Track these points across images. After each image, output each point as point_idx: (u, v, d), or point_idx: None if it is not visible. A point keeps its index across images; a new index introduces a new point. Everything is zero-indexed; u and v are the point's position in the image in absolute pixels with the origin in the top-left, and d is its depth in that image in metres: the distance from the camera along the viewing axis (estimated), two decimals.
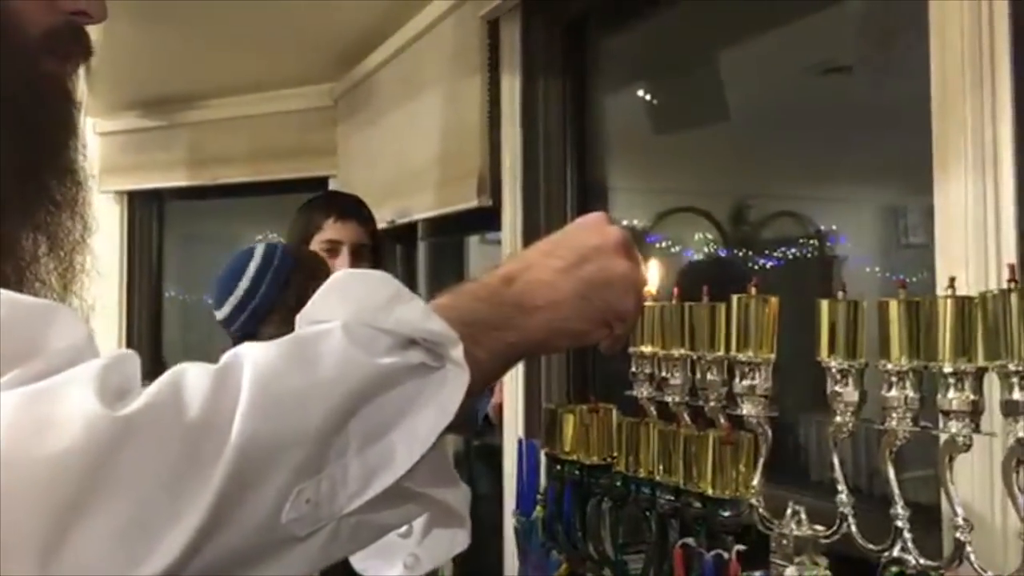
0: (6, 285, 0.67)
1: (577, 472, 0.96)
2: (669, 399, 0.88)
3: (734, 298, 0.75)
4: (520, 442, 1.44)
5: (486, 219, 2.09)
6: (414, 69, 2.26)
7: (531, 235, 1.88)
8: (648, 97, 2.02)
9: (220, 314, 1.64)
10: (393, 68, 2.41)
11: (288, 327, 0.56)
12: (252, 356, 0.50)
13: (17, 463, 0.42)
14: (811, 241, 1.67)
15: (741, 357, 0.74)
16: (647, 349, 0.86)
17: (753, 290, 0.75)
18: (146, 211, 3.44)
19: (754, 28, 1.68)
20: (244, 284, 1.61)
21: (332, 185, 2.86)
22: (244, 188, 3.12)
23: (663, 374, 0.88)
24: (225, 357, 0.51)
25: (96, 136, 3.18)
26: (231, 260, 1.69)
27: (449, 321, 0.55)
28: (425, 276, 2.66)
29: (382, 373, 0.52)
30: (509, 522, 1.39)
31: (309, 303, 0.57)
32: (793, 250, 1.71)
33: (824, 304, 0.71)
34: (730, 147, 1.82)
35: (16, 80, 0.65)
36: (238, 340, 1.59)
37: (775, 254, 1.73)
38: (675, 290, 0.83)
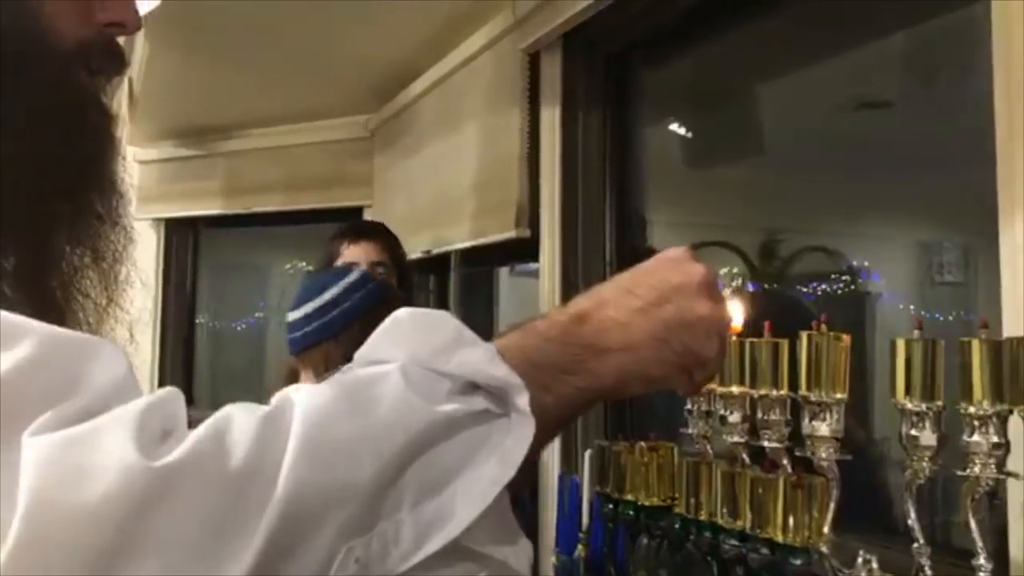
0: (52, 300, 0.66)
1: (631, 512, 0.92)
2: (727, 437, 0.85)
3: (803, 335, 0.73)
4: (561, 479, 1.41)
5: (519, 251, 2.08)
6: (453, 101, 2.27)
7: (568, 266, 1.87)
8: (686, 130, 2.02)
9: (293, 315, 1.63)
10: (431, 100, 2.42)
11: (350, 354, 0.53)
12: (303, 399, 0.47)
13: (49, 513, 0.40)
14: (843, 277, 1.64)
15: (812, 397, 0.71)
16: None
17: (823, 327, 0.72)
18: (182, 239, 3.47)
19: (794, 62, 1.67)
20: (331, 293, 1.60)
21: (367, 215, 2.87)
22: (279, 217, 3.14)
23: (721, 411, 0.85)
24: (275, 399, 0.48)
25: (135, 164, 3.23)
26: (326, 273, 1.73)
27: (515, 362, 0.51)
28: (456, 306, 2.66)
29: (442, 421, 0.49)
30: (548, 560, 1.36)
31: (367, 342, 0.54)
32: (824, 286, 1.68)
33: (900, 343, 0.68)
34: (766, 181, 1.81)
35: (52, 93, 0.65)
36: (297, 349, 1.59)
37: (806, 290, 1.70)
38: (767, 325, 0.80)
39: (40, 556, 0.39)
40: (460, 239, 2.22)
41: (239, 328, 3.70)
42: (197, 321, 3.59)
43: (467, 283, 2.69)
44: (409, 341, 0.53)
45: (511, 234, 1.95)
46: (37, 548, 0.40)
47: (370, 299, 1.61)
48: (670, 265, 0.61)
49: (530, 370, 0.52)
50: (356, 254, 1.95)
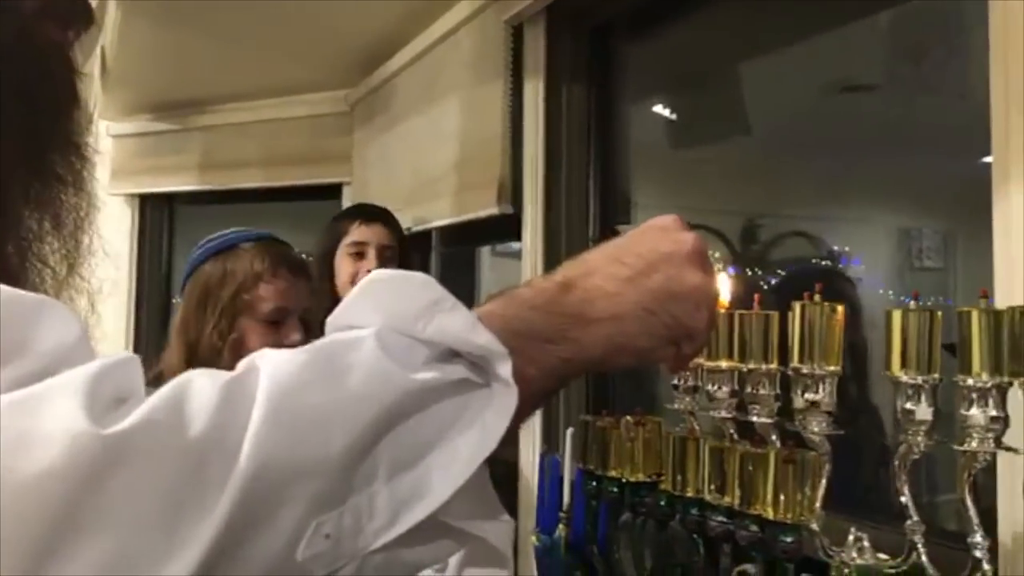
0: (7, 266, 0.62)
1: (615, 489, 0.90)
2: (714, 413, 0.82)
3: (796, 306, 0.70)
4: (542, 457, 1.39)
5: (501, 229, 2.05)
6: (434, 74, 2.22)
7: (552, 243, 1.84)
8: (670, 109, 1.99)
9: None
10: (412, 74, 2.37)
11: None
12: (270, 366, 0.44)
13: None
14: (824, 262, 1.63)
15: (804, 370, 0.69)
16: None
17: (817, 297, 0.70)
18: (157, 215, 3.41)
19: (781, 41, 1.65)
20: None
21: (346, 192, 2.82)
22: (256, 194, 3.08)
23: (709, 386, 0.82)
24: (240, 365, 0.45)
25: (109, 138, 3.15)
26: None
27: (497, 332, 0.48)
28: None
29: (418, 389, 0.46)
30: (528, 540, 1.33)
31: (340, 305, 0.51)
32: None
33: (896, 314, 0.66)
34: (750, 163, 1.79)
35: (14, 47, 0.61)
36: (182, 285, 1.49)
37: (782, 272, 1.69)
38: (756, 297, 0.77)
39: None
40: (441, 216, 2.18)
41: None
42: (173, 300, 3.53)
43: (448, 263, 2.65)
44: (385, 305, 0.49)
45: (493, 211, 1.91)
46: None
47: (247, 235, 1.53)
48: (659, 233, 0.58)
49: (512, 339, 0.49)
50: (367, 235, 1.95)
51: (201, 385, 0.42)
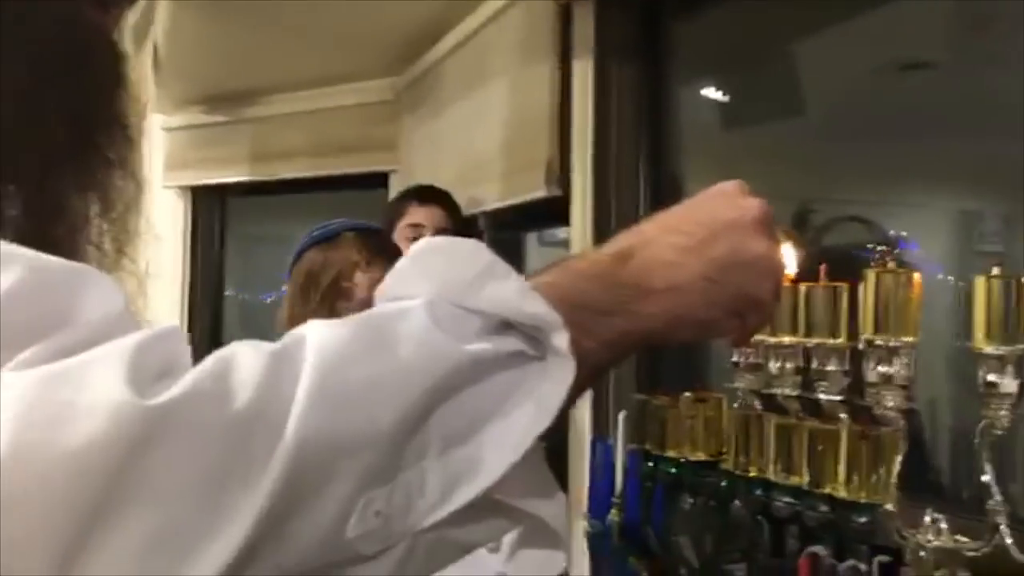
0: (58, 251, 0.62)
1: (673, 470, 0.87)
2: (778, 390, 0.79)
3: (869, 273, 0.66)
4: (593, 442, 1.36)
5: (549, 215, 2.03)
6: (481, 58, 2.21)
7: (601, 226, 1.81)
8: (722, 89, 1.94)
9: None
10: (458, 59, 2.36)
11: None
12: (316, 337, 0.42)
13: (29, 458, 0.35)
14: (880, 247, 1.57)
15: (878, 341, 0.65)
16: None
17: (891, 264, 0.66)
18: (209, 207, 3.46)
19: (835, 18, 1.60)
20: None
21: (393, 179, 2.83)
22: (305, 184, 3.11)
23: (772, 363, 0.79)
24: (286, 337, 0.43)
25: (162, 132, 3.21)
26: None
27: (552, 302, 0.46)
28: None
29: (470, 361, 0.44)
30: (578, 527, 1.31)
31: (389, 275, 0.49)
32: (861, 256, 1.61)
33: (980, 282, 0.62)
34: (803, 145, 1.74)
35: (58, 30, 0.60)
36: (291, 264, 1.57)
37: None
38: (822, 268, 0.74)
39: (21, 507, 0.35)
40: (490, 200, 2.17)
41: (268, 301, 3.69)
42: (225, 293, 3.58)
43: (495, 250, 2.63)
44: (436, 273, 0.48)
45: (542, 192, 1.89)
46: (19, 496, 0.35)
47: (349, 224, 1.62)
48: (722, 200, 0.55)
49: (568, 310, 0.47)
50: (424, 216, 1.96)
51: (246, 356, 0.41)
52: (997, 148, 1.34)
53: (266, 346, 0.43)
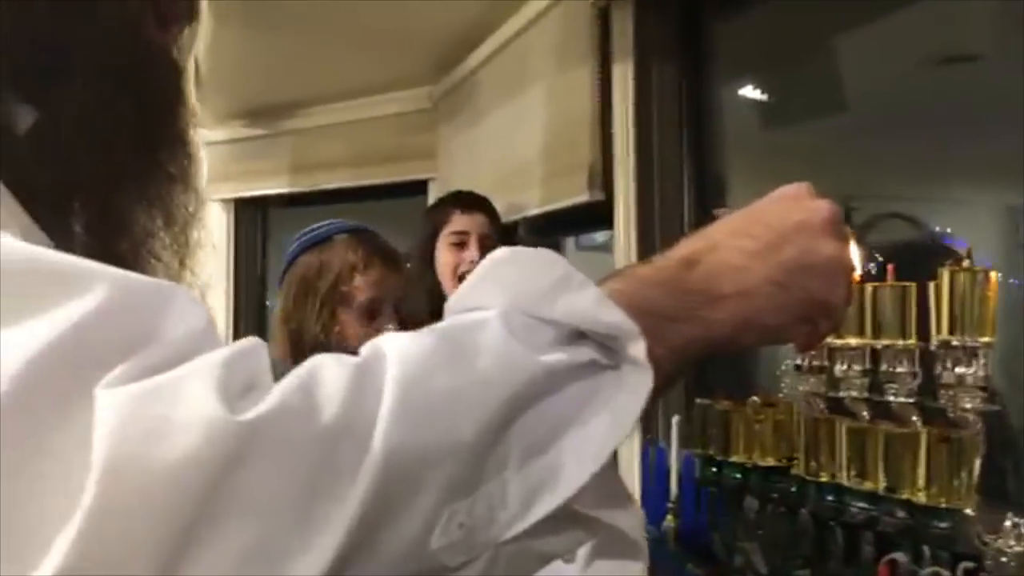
0: (123, 264, 0.63)
1: (738, 475, 0.85)
2: (845, 393, 0.77)
3: (943, 272, 0.65)
4: (646, 446, 1.35)
5: (588, 219, 2.02)
6: (518, 64, 2.21)
7: (645, 229, 1.80)
8: (763, 88, 1.92)
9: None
10: (495, 65, 2.36)
11: None
12: (397, 349, 0.42)
13: (127, 472, 0.36)
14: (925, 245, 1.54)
15: (954, 342, 0.63)
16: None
17: (967, 262, 0.64)
18: (251, 219, 3.51)
19: (876, 13, 1.57)
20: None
21: (432, 188, 2.84)
22: (345, 194, 3.13)
23: (838, 366, 0.77)
24: (365, 349, 0.44)
25: (203, 146, 3.26)
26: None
27: (626, 311, 0.45)
28: None
29: (547, 372, 0.44)
30: None
31: (463, 285, 0.49)
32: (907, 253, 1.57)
33: None
34: (847, 141, 1.71)
35: (121, 49, 0.61)
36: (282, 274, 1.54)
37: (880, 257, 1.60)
38: (889, 268, 0.72)
39: (120, 520, 0.35)
40: (531, 206, 2.16)
41: None
42: (267, 303, 3.63)
43: None
44: (510, 284, 0.47)
45: (584, 197, 1.88)
46: (116, 511, 0.35)
47: (341, 227, 1.57)
48: (789, 202, 0.54)
49: (638, 317, 0.46)
50: (467, 224, 1.95)
51: (330, 370, 0.41)
52: None
53: (347, 360, 0.43)
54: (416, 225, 2.10)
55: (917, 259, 1.50)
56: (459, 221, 1.94)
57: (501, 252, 0.49)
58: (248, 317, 3.49)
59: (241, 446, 0.37)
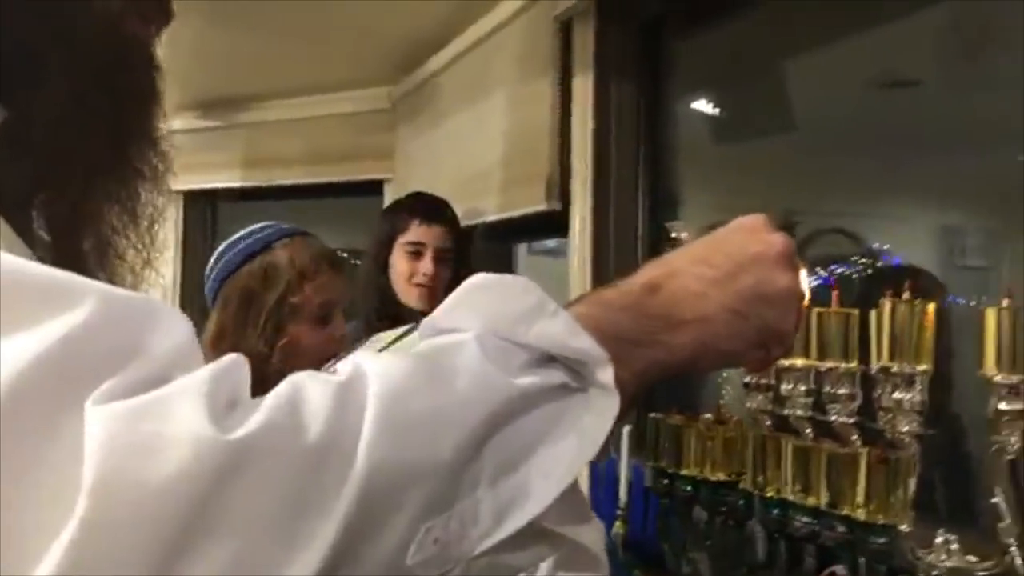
0: (85, 262, 0.63)
1: (688, 488, 0.89)
2: (789, 411, 0.81)
3: (885, 303, 0.69)
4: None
5: (542, 226, 2.05)
6: (480, 70, 2.22)
7: (600, 240, 1.84)
8: (717, 105, 1.97)
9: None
10: (457, 70, 2.37)
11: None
12: (377, 369, 0.44)
13: (118, 487, 0.37)
14: (863, 260, 1.61)
15: (894, 368, 0.68)
16: None
17: (907, 295, 0.69)
18: (200, 212, 3.45)
19: (828, 37, 1.63)
20: (212, 257, 1.45)
21: (387, 188, 2.83)
22: (298, 191, 3.10)
23: (784, 385, 0.81)
24: (345, 368, 0.45)
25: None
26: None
27: (594, 336, 0.48)
28: None
29: (520, 395, 0.46)
30: None
31: (440, 307, 0.51)
32: (843, 268, 1.64)
33: (990, 313, 0.65)
34: (794, 159, 1.77)
35: (100, 45, 0.61)
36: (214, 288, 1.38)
37: (823, 272, 1.66)
38: (834, 294, 0.77)
39: (110, 534, 0.36)
40: (488, 212, 2.18)
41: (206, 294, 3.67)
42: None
43: (485, 260, 2.65)
44: (486, 309, 0.49)
45: (542, 207, 1.91)
46: (106, 525, 0.36)
47: (277, 233, 1.42)
48: (747, 234, 0.57)
49: (604, 342, 0.48)
50: (425, 235, 1.93)
51: (313, 390, 0.42)
52: (980, 165, 1.37)
53: (329, 378, 0.44)
54: (373, 225, 2.09)
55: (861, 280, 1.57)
56: (417, 231, 1.93)
57: (478, 278, 0.51)
58: (194, 310, 3.43)
59: (229, 463, 0.38)
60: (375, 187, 2.88)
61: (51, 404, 0.38)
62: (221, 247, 1.45)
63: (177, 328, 0.44)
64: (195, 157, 3.22)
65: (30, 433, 0.38)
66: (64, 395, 0.39)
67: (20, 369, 0.38)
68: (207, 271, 1.46)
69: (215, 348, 1.33)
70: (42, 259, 0.56)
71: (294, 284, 1.35)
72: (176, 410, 0.39)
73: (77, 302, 0.41)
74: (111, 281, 0.66)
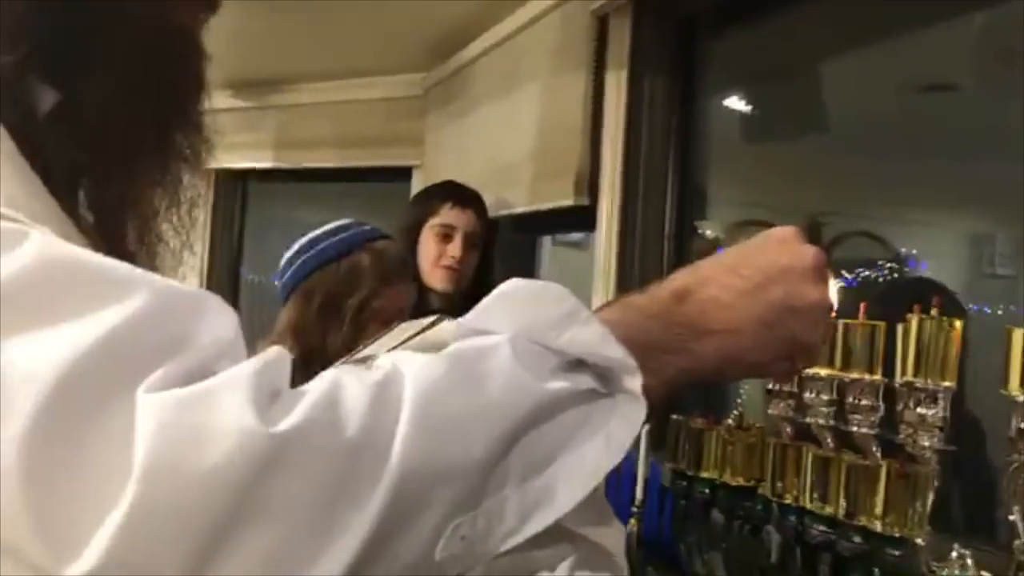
0: (127, 243, 0.65)
1: (706, 491, 0.90)
2: (811, 419, 0.82)
3: (912, 318, 0.70)
4: None
5: (569, 220, 2.06)
6: (513, 62, 2.23)
7: (626, 236, 1.84)
8: (751, 105, 1.97)
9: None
10: (490, 60, 2.38)
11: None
12: (413, 369, 0.46)
13: (166, 474, 0.39)
14: (889, 264, 1.60)
15: (918, 383, 0.68)
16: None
17: (934, 311, 0.69)
18: (230, 191, 3.48)
19: (865, 39, 1.62)
20: (318, 233, 1.50)
21: (416, 175, 2.85)
22: (326, 174, 3.13)
23: (807, 394, 0.82)
24: (382, 366, 0.47)
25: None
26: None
27: (621, 342, 0.49)
28: (499, 274, 2.63)
29: (551, 398, 0.47)
30: None
31: (474, 310, 0.52)
32: (869, 272, 1.63)
33: (1018, 333, 0.65)
34: (825, 161, 1.77)
35: (148, 33, 0.63)
36: (292, 282, 1.45)
37: (848, 275, 1.66)
38: (862, 306, 0.77)
39: (158, 519, 0.38)
40: (516, 204, 2.19)
41: (278, 283, 3.72)
42: (240, 272, 3.62)
43: (511, 250, 2.66)
44: (521, 313, 0.51)
45: (569, 201, 1.91)
46: (155, 511, 0.38)
47: (362, 236, 1.50)
48: (778, 245, 0.58)
49: (632, 349, 0.50)
50: (457, 218, 1.95)
51: (352, 388, 0.44)
52: (1012, 173, 1.36)
53: (366, 376, 0.46)
54: (401, 211, 2.11)
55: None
56: (449, 214, 1.94)
57: (513, 283, 0.53)
58: (223, 287, 3.48)
59: (272, 455, 0.40)
60: (404, 173, 2.90)
61: (104, 390, 0.40)
62: (302, 242, 1.49)
63: (224, 320, 0.46)
64: (227, 137, 3.24)
65: (84, 418, 0.39)
66: (117, 382, 0.41)
67: (76, 355, 0.40)
68: (284, 263, 1.50)
69: (296, 339, 1.39)
70: (87, 240, 0.59)
71: (376, 289, 1.41)
72: (223, 402, 0.41)
73: (130, 293, 0.43)
74: (151, 261, 0.69)
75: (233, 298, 3.54)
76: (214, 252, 3.42)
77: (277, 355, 0.46)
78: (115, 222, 0.65)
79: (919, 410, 0.69)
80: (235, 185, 3.51)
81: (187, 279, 0.76)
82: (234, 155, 3.30)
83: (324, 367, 0.49)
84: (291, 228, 3.73)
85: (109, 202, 0.65)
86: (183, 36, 0.67)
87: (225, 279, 3.48)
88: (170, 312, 0.44)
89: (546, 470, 0.46)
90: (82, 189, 0.64)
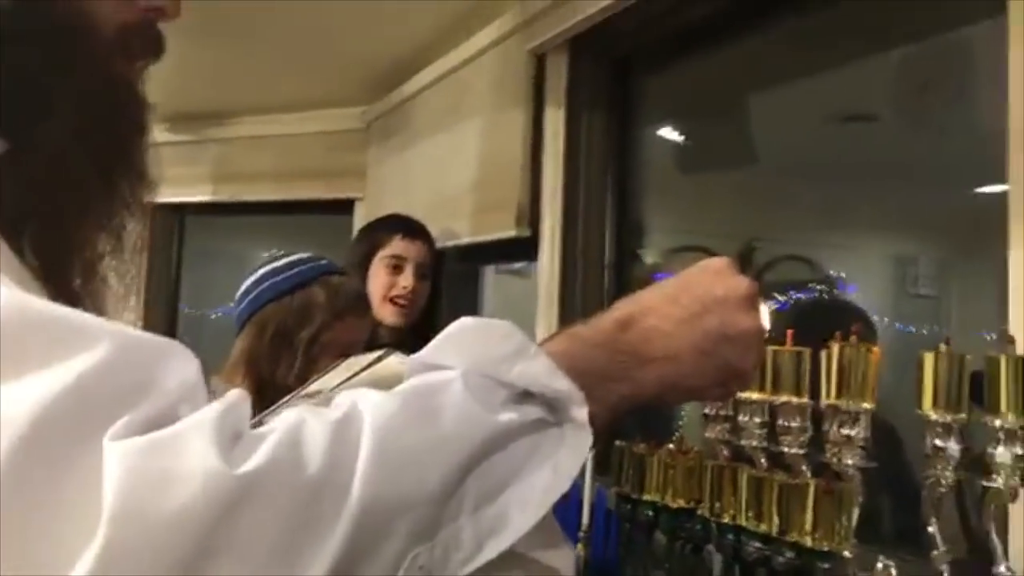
0: (71, 287, 0.66)
1: (650, 513, 0.94)
2: (745, 442, 0.86)
3: (833, 346, 0.75)
4: None
5: (511, 250, 2.10)
6: (455, 97, 2.27)
7: (568, 266, 1.89)
8: (685, 137, 2.04)
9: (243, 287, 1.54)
10: (431, 95, 2.42)
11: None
12: (370, 406, 0.48)
13: (133, 519, 0.40)
14: (819, 286, 1.67)
15: (841, 405, 0.73)
16: None
17: (854, 338, 0.74)
18: (167, 225, 3.43)
19: (787, 74, 1.71)
20: (278, 264, 1.50)
21: (358, 208, 2.86)
22: (267, 207, 3.11)
23: (741, 416, 0.87)
24: (340, 405, 0.49)
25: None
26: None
27: (567, 372, 0.52)
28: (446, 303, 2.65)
29: (502, 430, 0.50)
30: None
31: (429, 346, 0.55)
32: (800, 295, 1.71)
33: (928, 357, 0.70)
34: (755, 189, 1.84)
35: (91, 83, 0.64)
36: (248, 312, 1.44)
37: (781, 297, 1.73)
38: (789, 332, 0.82)
39: (129, 560, 0.40)
40: (459, 235, 2.22)
41: (213, 316, 3.67)
42: (178, 307, 3.56)
43: (453, 280, 2.69)
44: (471, 349, 0.54)
45: (511, 233, 1.95)
46: (125, 552, 0.40)
47: (317, 270, 1.50)
48: (713, 276, 0.62)
49: (579, 378, 0.53)
50: (407, 250, 1.95)
51: (313, 427, 0.46)
52: (932, 197, 1.45)
53: (326, 415, 0.48)
54: (349, 242, 2.12)
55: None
56: (399, 245, 1.95)
57: (465, 321, 0.56)
58: (158, 322, 3.41)
59: (236, 495, 0.42)
60: (346, 206, 2.91)
61: (71, 438, 0.42)
62: (259, 273, 1.49)
63: (185, 366, 0.48)
64: (164, 170, 3.20)
65: (51, 465, 0.41)
66: (83, 430, 0.42)
67: (43, 405, 0.42)
68: (241, 293, 1.50)
69: (249, 369, 1.40)
70: (42, 287, 0.59)
71: (328, 323, 1.42)
72: (188, 446, 0.43)
73: (93, 342, 0.45)
74: (96, 305, 0.69)
75: (170, 333, 3.47)
76: (151, 286, 3.36)
77: (237, 397, 0.48)
78: (60, 267, 0.66)
79: (843, 431, 0.74)
80: (173, 218, 3.46)
81: (122, 315, 0.77)
82: (172, 188, 3.26)
83: (276, 398, 0.51)
84: (230, 261, 3.72)
85: (55, 247, 0.65)
86: (124, 85, 0.69)
87: (162, 313, 3.42)
88: (133, 360, 0.46)
89: (499, 498, 0.49)
90: (27, 234, 0.64)
